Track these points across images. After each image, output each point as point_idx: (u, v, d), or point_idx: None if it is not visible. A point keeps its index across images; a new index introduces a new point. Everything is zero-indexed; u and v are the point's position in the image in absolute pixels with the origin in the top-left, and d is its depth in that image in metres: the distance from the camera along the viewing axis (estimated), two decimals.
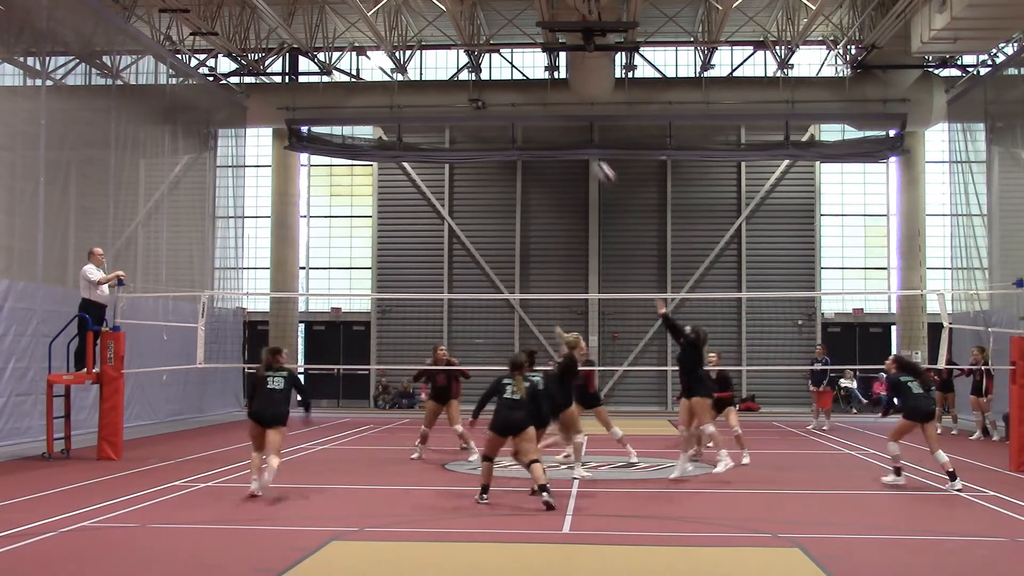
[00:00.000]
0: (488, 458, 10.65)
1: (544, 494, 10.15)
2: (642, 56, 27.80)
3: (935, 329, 20.75)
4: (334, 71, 27.23)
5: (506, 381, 10.74)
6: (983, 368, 17.84)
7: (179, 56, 24.05)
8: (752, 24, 25.89)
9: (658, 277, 28.70)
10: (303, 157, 28.95)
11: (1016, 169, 22.91)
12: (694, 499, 11.52)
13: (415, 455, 14.80)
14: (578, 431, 12.65)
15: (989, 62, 24.89)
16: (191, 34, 23.66)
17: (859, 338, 28.76)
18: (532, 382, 10.91)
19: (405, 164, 29.23)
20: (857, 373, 27.67)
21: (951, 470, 11.76)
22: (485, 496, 10.51)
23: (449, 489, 11.07)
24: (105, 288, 15.01)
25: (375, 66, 27.87)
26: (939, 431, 19.73)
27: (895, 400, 12.81)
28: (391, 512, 10.13)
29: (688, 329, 12.86)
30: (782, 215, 28.99)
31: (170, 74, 23.31)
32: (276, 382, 11.00)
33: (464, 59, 27.68)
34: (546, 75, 27.57)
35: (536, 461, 10.38)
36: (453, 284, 29.01)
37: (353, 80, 28.43)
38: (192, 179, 24.72)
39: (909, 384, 12.49)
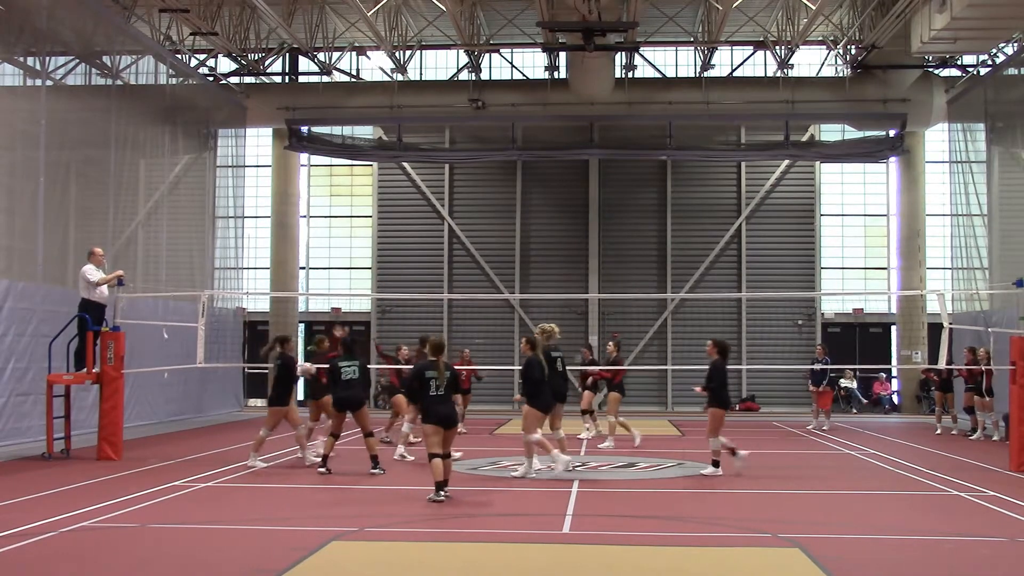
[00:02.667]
0: (440, 455, 10.44)
1: (441, 492, 10.35)
2: (642, 56, 27.78)
3: (935, 329, 20.75)
4: (334, 71, 27.20)
5: (429, 374, 10.57)
6: (983, 368, 17.84)
7: (179, 56, 24.05)
8: (752, 24, 25.88)
9: (658, 277, 28.69)
10: (303, 157, 28.92)
11: (1016, 169, 22.92)
12: (694, 499, 11.53)
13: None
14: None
15: (989, 62, 24.88)
16: (191, 34, 23.65)
17: (859, 338, 28.75)
18: None
19: (405, 164, 29.20)
20: (857, 373, 27.68)
21: (718, 460, 12.76)
22: (442, 493, 10.41)
23: (449, 489, 11.05)
24: (105, 288, 15.02)
25: (375, 66, 27.84)
26: (939, 431, 19.94)
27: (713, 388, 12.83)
28: (391, 512, 10.12)
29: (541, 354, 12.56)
30: (782, 215, 28.97)
31: (170, 74, 23.31)
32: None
33: (464, 59, 27.65)
34: (546, 75, 27.55)
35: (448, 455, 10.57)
36: (453, 284, 28.98)
37: (353, 80, 28.41)
38: (192, 179, 24.73)
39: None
